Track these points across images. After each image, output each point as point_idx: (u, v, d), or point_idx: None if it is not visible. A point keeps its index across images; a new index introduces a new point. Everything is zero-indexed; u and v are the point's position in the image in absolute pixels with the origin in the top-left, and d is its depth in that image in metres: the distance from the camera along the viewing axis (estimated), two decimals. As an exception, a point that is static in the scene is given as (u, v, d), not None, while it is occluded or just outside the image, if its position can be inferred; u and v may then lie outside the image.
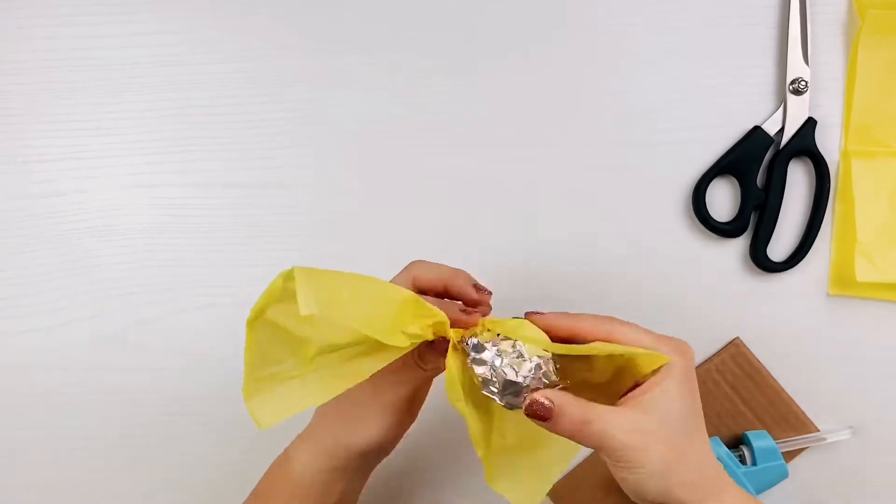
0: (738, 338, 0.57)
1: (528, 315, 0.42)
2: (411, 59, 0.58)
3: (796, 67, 0.56)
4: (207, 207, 0.59)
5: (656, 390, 0.39)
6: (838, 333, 0.57)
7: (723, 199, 0.57)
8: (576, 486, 0.57)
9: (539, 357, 0.40)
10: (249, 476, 0.59)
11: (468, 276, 0.45)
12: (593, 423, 0.38)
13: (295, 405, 0.40)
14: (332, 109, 0.59)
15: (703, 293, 0.57)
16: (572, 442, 0.40)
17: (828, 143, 0.56)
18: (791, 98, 0.56)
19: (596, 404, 0.39)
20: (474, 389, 0.41)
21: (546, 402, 0.39)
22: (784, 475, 0.55)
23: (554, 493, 0.57)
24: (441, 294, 0.44)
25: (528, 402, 0.39)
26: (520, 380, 0.39)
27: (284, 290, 0.39)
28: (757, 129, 0.56)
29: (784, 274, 0.57)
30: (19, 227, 0.59)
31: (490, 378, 0.40)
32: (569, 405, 0.39)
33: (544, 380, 0.40)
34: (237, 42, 0.59)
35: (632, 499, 0.41)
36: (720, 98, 0.57)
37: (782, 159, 0.56)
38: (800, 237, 0.57)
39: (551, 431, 0.39)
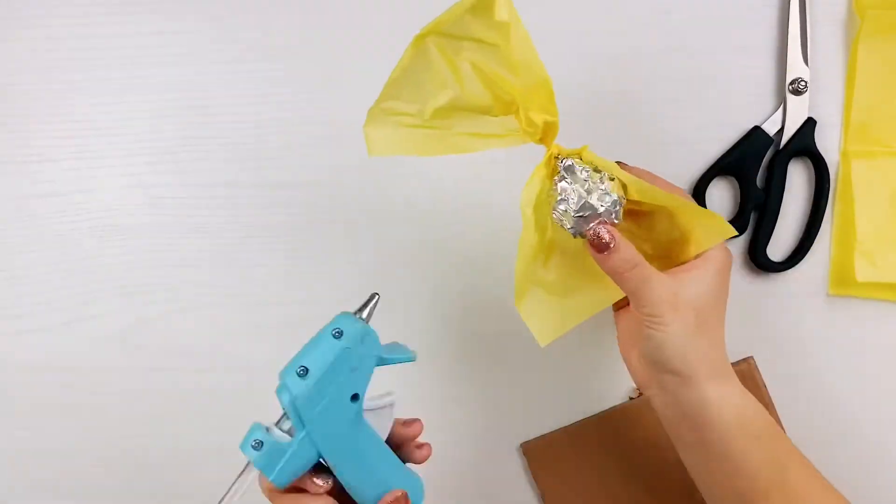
0: (751, 357, 0.57)
1: (619, 162, 0.45)
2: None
3: (796, 67, 0.56)
4: (207, 207, 0.59)
5: (698, 271, 0.44)
6: (838, 333, 0.57)
7: (722, 199, 0.57)
8: (548, 444, 0.58)
9: (619, 197, 0.43)
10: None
11: None
12: (639, 267, 0.43)
13: (404, 148, 0.43)
14: (332, 109, 0.59)
15: (702, 293, 0.57)
16: (603, 296, 0.46)
17: (827, 143, 0.56)
18: (791, 98, 0.56)
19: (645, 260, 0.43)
20: (543, 211, 0.45)
21: (608, 234, 0.43)
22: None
23: (527, 450, 0.58)
24: None
25: (593, 229, 0.43)
26: (597, 206, 0.43)
27: (470, 9, 0.40)
28: (756, 129, 0.56)
29: (784, 274, 0.57)
30: (19, 227, 0.59)
31: (569, 198, 0.43)
32: (626, 245, 0.43)
33: (615, 219, 0.43)
34: (237, 42, 0.59)
35: (646, 366, 0.45)
36: (720, 98, 0.57)
37: (782, 159, 0.56)
38: (799, 237, 0.57)
39: (601, 264, 0.43)
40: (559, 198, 0.43)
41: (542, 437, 0.58)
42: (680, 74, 0.57)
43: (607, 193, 0.43)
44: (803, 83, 0.56)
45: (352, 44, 0.59)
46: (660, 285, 0.42)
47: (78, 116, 0.59)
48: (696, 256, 0.45)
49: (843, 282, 0.56)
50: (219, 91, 0.59)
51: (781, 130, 0.56)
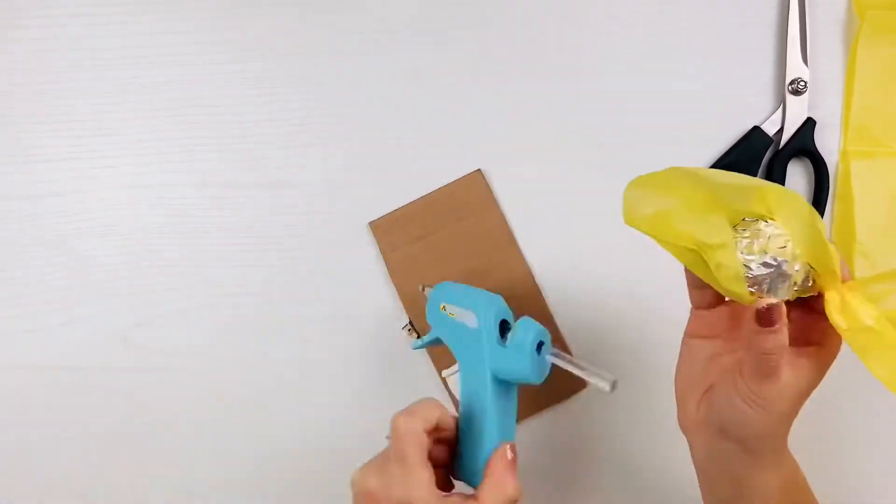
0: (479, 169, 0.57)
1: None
2: (413, 60, 0.58)
3: (795, 68, 0.56)
4: (207, 207, 0.59)
5: (814, 363, 0.40)
6: (838, 333, 0.57)
7: (722, 199, 0.57)
8: (397, 225, 0.58)
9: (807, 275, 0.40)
10: (250, 476, 0.60)
11: None
12: (784, 355, 0.39)
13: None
14: (333, 109, 0.59)
15: (702, 293, 0.57)
16: None
17: (827, 143, 0.56)
18: (790, 98, 0.56)
19: None
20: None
21: (779, 312, 0.38)
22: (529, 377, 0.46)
23: (375, 227, 0.58)
24: None
25: (770, 302, 0.38)
26: (792, 273, 0.39)
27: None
28: (756, 130, 0.56)
29: (783, 274, 0.57)
30: (19, 227, 0.59)
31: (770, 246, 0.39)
32: (785, 329, 0.39)
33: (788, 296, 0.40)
34: (238, 42, 0.59)
35: (709, 424, 0.43)
36: (719, 98, 0.57)
37: (781, 159, 0.56)
38: (799, 237, 0.57)
39: (754, 337, 0.39)
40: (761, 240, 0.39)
41: (389, 214, 0.58)
42: (680, 74, 0.57)
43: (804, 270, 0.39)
44: (803, 83, 0.56)
45: (352, 43, 0.59)
46: (794, 379, 0.40)
47: (78, 116, 0.59)
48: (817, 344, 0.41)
49: (842, 282, 0.56)
50: (219, 91, 0.59)
51: (781, 130, 0.56)
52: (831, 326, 0.39)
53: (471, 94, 0.58)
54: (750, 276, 0.39)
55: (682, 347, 0.45)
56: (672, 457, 0.53)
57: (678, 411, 0.45)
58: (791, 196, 0.39)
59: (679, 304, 0.45)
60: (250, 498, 0.59)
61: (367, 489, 0.41)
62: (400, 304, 0.58)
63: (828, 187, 0.56)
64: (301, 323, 0.58)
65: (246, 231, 0.59)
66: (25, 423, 0.60)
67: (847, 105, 0.56)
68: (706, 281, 0.41)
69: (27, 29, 0.59)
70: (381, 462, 0.41)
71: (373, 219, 0.58)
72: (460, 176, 0.58)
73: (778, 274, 0.39)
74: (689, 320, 0.45)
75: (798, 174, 0.57)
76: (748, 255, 0.39)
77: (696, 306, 0.44)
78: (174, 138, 0.59)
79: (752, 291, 0.39)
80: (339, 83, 0.59)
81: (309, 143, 0.59)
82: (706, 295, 0.43)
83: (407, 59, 0.58)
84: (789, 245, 0.39)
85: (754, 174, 0.56)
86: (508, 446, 0.43)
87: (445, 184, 0.58)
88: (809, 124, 0.56)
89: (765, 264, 0.39)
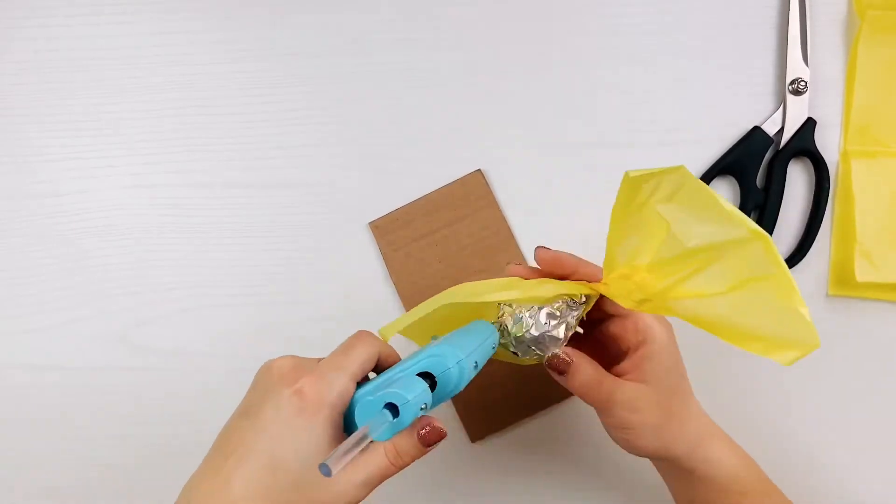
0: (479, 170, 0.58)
1: (540, 247, 0.45)
2: (413, 60, 0.58)
3: (796, 68, 0.56)
4: (207, 207, 0.59)
5: (649, 363, 0.43)
6: (838, 333, 0.57)
7: (722, 200, 0.57)
8: (396, 226, 0.58)
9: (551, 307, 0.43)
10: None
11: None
12: (604, 383, 0.42)
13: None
14: (333, 110, 0.59)
15: (702, 293, 0.57)
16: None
17: (827, 143, 0.56)
18: (791, 98, 0.56)
19: (600, 367, 0.43)
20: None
21: (565, 357, 0.42)
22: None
23: (375, 227, 0.58)
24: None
25: (549, 356, 0.42)
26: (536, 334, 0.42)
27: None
28: (756, 130, 0.56)
29: (784, 274, 0.57)
30: (19, 227, 0.59)
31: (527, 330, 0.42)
32: (586, 364, 0.42)
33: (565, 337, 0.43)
34: (237, 42, 0.59)
35: (642, 456, 0.45)
36: (720, 98, 0.57)
37: (782, 159, 0.56)
38: (799, 237, 0.57)
39: (566, 385, 0.43)
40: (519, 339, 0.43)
41: (389, 214, 0.58)
42: (680, 74, 0.57)
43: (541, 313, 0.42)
44: (803, 83, 0.56)
45: (351, 44, 0.59)
46: (621, 395, 0.42)
47: (78, 116, 0.59)
48: (628, 349, 0.44)
49: (842, 282, 0.56)
50: (219, 91, 0.59)
51: (781, 130, 0.56)
52: (637, 319, 0.43)
53: (471, 94, 0.58)
54: (523, 349, 0.43)
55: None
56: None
57: None
58: (507, 283, 0.43)
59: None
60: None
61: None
62: (400, 303, 0.58)
63: (828, 187, 0.56)
64: (301, 323, 0.58)
65: (246, 231, 0.59)
66: (25, 423, 0.60)
67: (847, 105, 0.56)
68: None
69: (27, 29, 0.59)
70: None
71: (373, 219, 0.58)
72: (460, 176, 0.58)
73: (534, 339, 0.42)
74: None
75: (798, 174, 0.57)
76: (513, 337, 0.43)
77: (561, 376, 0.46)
78: (174, 138, 0.59)
79: (538, 356, 0.43)
80: (339, 83, 0.59)
81: (309, 143, 0.59)
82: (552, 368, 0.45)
83: (407, 59, 0.58)
84: (525, 313, 0.42)
85: (755, 174, 0.56)
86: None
87: (445, 184, 0.58)
88: (810, 124, 0.56)
89: (517, 340, 0.43)
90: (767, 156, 0.57)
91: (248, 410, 0.39)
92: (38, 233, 0.59)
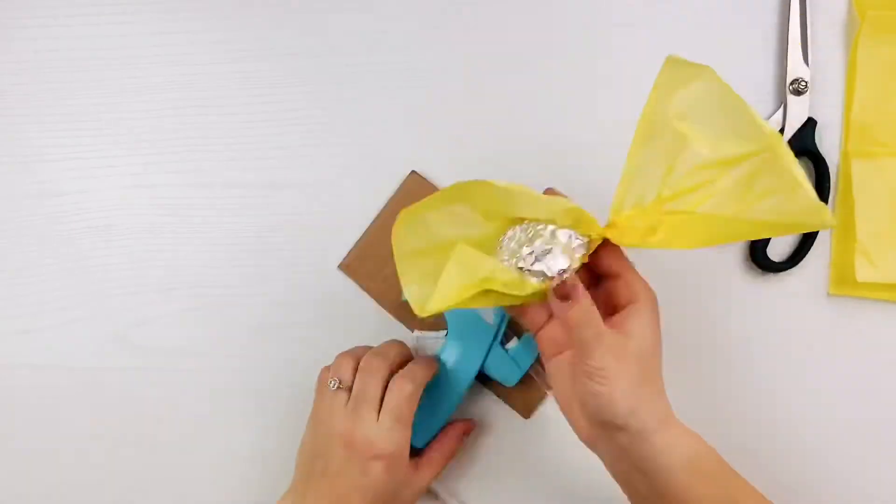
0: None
1: (549, 189, 0.47)
2: (413, 60, 0.58)
3: (796, 68, 0.56)
4: (207, 207, 0.59)
5: (636, 319, 0.43)
6: (838, 333, 0.57)
7: (723, 200, 0.57)
8: (364, 256, 0.58)
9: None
10: (250, 476, 0.60)
11: None
12: (596, 321, 0.42)
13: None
14: (333, 110, 0.59)
15: (702, 293, 0.57)
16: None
17: (828, 143, 0.56)
18: (791, 98, 0.56)
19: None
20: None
21: (572, 283, 0.42)
22: (509, 381, 0.55)
23: (346, 266, 0.58)
24: None
25: (558, 281, 0.42)
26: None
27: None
28: (757, 130, 0.56)
29: (784, 274, 0.57)
30: (19, 227, 0.59)
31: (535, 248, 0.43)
32: (586, 297, 0.42)
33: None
34: (237, 42, 0.59)
35: (593, 425, 0.44)
36: (720, 98, 0.57)
37: (782, 159, 0.56)
38: (800, 237, 0.57)
39: (560, 313, 0.43)
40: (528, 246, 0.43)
41: (353, 250, 0.58)
42: (680, 74, 0.57)
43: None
44: (804, 83, 0.56)
45: (351, 43, 0.59)
46: (609, 338, 0.42)
47: (78, 116, 0.59)
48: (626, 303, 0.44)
49: (843, 282, 0.56)
50: (219, 91, 0.59)
51: (782, 131, 0.56)
52: (631, 281, 0.44)
53: (472, 94, 0.58)
54: (528, 270, 0.43)
55: (547, 370, 0.47)
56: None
57: (574, 429, 0.46)
58: (510, 189, 0.43)
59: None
60: (251, 497, 0.59)
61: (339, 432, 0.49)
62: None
63: (829, 187, 0.56)
64: (301, 323, 0.58)
65: (246, 231, 0.59)
66: (25, 423, 0.60)
67: (848, 105, 0.56)
68: (516, 304, 0.45)
69: (27, 29, 0.59)
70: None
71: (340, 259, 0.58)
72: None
73: (545, 252, 0.42)
74: (539, 344, 0.47)
75: (799, 174, 0.57)
76: (514, 258, 0.43)
77: (534, 329, 0.46)
78: (174, 138, 0.59)
79: (542, 281, 0.43)
80: (339, 83, 0.59)
81: (309, 143, 0.59)
82: (532, 315, 0.46)
83: (407, 59, 0.58)
84: (540, 227, 0.43)
85: (755, 174, 0.56)
86: (466, 423, 0.55)
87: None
88: (810, 124, 0.56)
89: (531, 254, 0.43)
90: (768, 156, 0.57)
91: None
92: (38, 233, 0.59)
